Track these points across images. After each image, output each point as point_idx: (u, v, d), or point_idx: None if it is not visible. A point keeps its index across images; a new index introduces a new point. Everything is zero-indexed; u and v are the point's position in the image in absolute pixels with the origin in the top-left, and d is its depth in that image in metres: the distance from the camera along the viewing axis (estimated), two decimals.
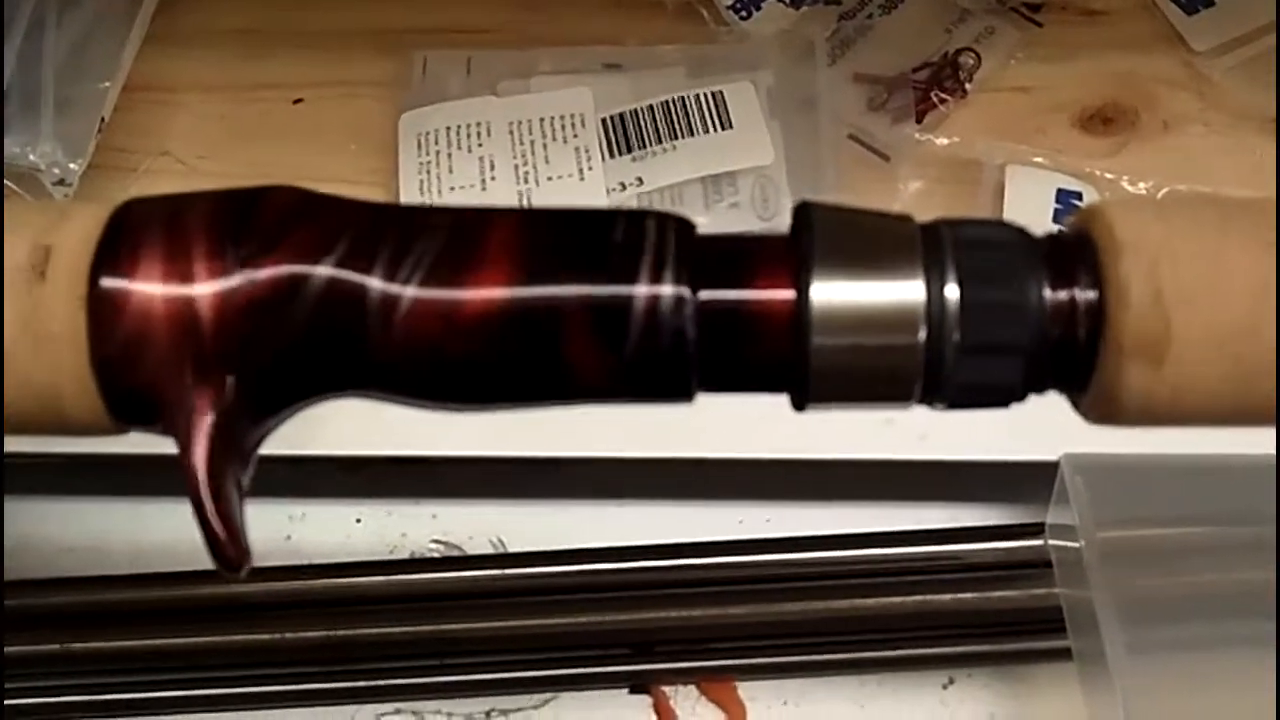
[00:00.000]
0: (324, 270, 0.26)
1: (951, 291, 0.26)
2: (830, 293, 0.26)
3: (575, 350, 0.26)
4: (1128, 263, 0.26)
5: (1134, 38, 0.64)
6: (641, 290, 0.26)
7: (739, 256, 0.27)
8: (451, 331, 0.26)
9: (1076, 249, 0.27)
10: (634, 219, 0.27)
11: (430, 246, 0.26)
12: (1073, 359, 0.27)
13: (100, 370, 0.26)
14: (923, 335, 0.26)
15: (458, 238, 0.26)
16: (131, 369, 0.26)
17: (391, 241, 0.26)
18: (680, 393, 0.27)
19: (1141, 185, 0.60)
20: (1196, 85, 0.63)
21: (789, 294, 0.26)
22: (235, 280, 0.25)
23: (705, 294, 0.26)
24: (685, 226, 0.27)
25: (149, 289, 0.25)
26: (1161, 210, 0.27)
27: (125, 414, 0.26)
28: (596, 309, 0.26)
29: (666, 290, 0.26)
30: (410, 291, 0.26)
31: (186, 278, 0.25)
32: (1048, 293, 0.27)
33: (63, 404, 0.26)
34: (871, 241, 0.27)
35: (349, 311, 0.26)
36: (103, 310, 0.25)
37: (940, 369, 0.27)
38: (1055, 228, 0.28)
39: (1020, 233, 0.28)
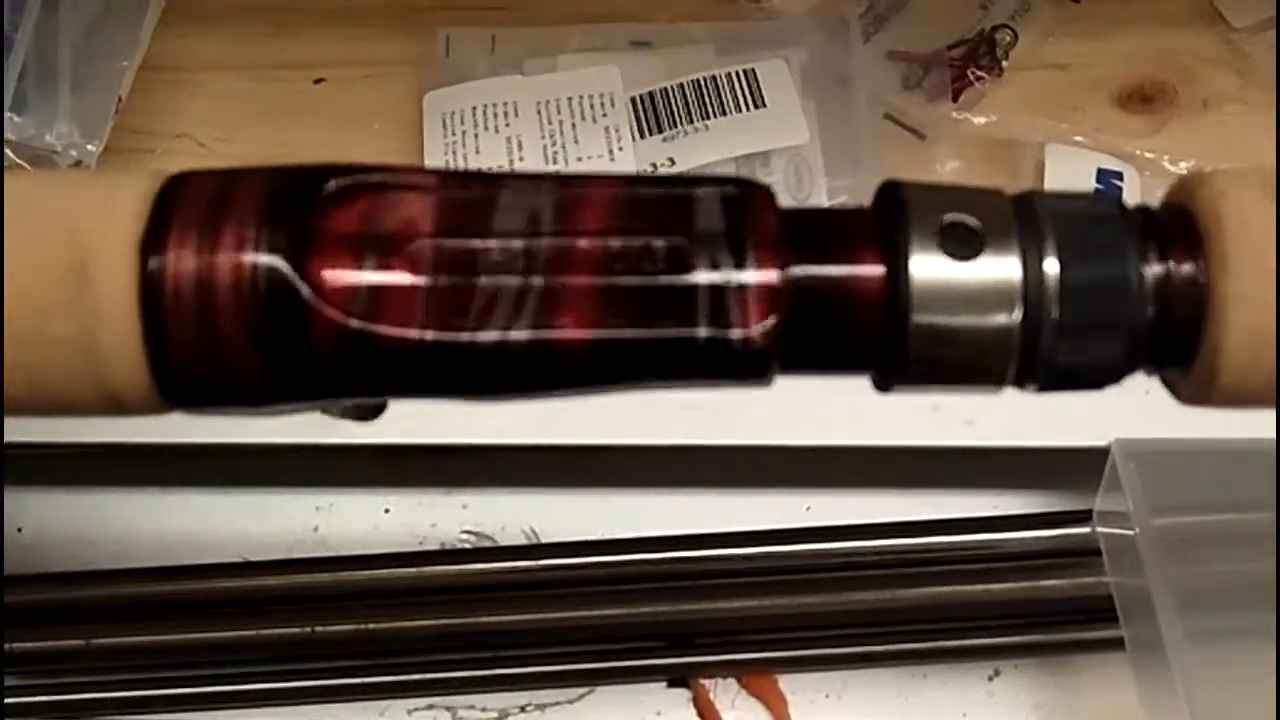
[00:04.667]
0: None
1: (1050, 267, 0.25)
2: (923, 269, 0.25)
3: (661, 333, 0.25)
4: (1233, 234, 0.25)
5: (1172, 14, 0.63)
6: (723, 265, 0.25)
7: (829, 232, 0.25)
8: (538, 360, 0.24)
9: (1178, 221, 0.26)
10: (719, 194, 0.25)
11: (522, 230, 0.25)
12: (1175, 339, 0.26)
13: (159, 372, 0.24)
14: (1019, 314, 0.25)
15: (547, 219, 0.25)
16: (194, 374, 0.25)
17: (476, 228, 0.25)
18: (759, 374, 0.26)
19: (1182, 164, 0.59)
20: (1236, 62, 0.62)
21: (879, 270, 0.25)
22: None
23: (794, 270, 0.25)
24: (769, 197, 0.26)
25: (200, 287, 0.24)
26: (1265, 179, 0.26)
27: (181, 398, 0.25)
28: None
29: (747, 265, 0.25)
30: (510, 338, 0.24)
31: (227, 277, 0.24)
32: (1149, 268, 0.25)
33: (115, 387, 0.24)
34: (963, 215, 0.26)
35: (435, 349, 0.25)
36: (154, 310, 0.24)
37: (1037, 349, 0.25)
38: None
39: (1118, 204, 0.26)
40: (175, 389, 0.25)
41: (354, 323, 0.24)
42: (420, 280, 0.24)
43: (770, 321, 0.24)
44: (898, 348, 0.25)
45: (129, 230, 0.24)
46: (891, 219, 0.25)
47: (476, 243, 0.25)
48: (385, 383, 0.25)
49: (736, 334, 0.25)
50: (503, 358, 0.24)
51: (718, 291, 0.25)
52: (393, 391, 0.26)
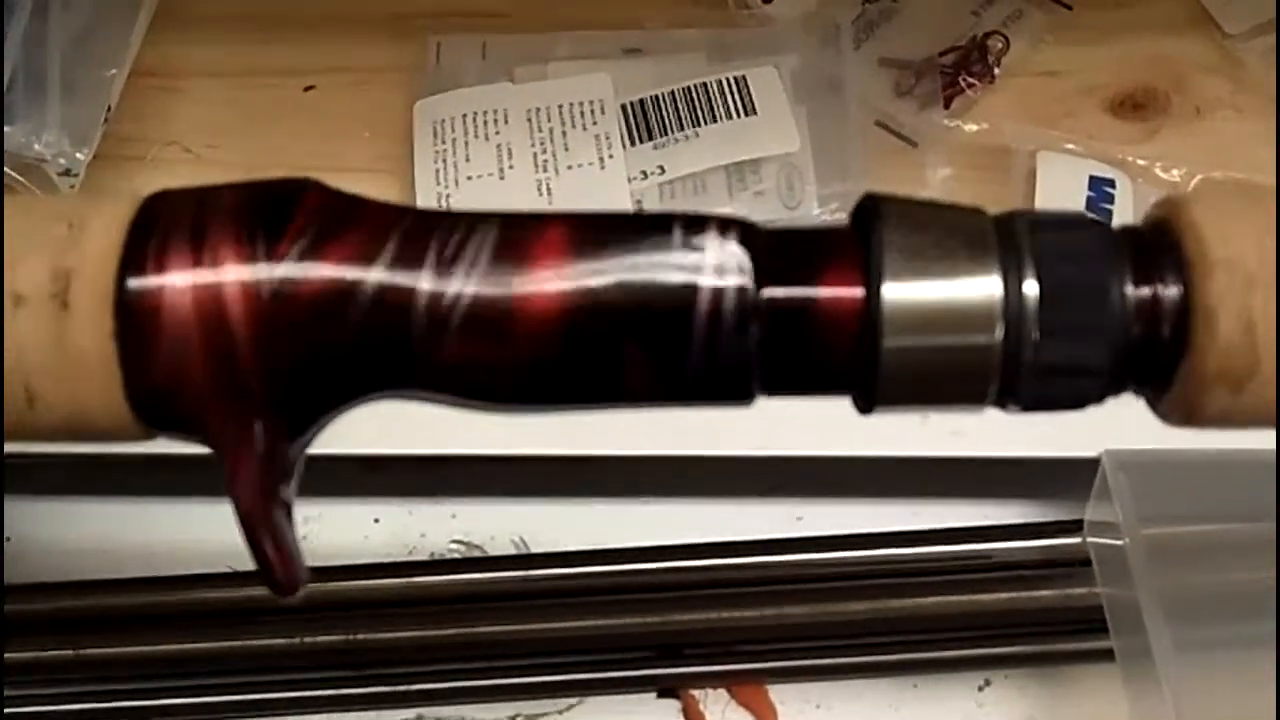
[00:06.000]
0: (375, 275, 0.24)
1: (1030, 289, 0.25)
2: (902, 291, 0.25)
3: (636, 354, 0.25)
4: (1214, 255, 0.25)
5: (1165, 20, 0.62)
6: (705, 288, 0.24)
7: (804, 252, 0.25)
8: (507, 335, 0.24)
9: (1159, 242, 0.26)
10: (694, 218, 0.25)
11: (482, 251, 0.24)
12: (1157, 359, 0.25)
13: (133, 392, 0.24)
14: (999, 335, 0.25)
15: (508, 240, 0.25)
16: (168, 390, 0.24)
17: (439, 246, 0.24)
18: (741, 395, 0.26)
19: (1174, 172, 0.59)
20: (1229, 69, 0.61)
21: (858, 292, 0.25)
22: (281, 289, 0.24)
23: (769, 292, 0.25)
24: (747, 225, 0.26)
25: (185, 304, 0.24)
26: (1246, 197, 0.26)
27: (160, 425, 0.25)
28: (657, 309, 0.24)
29: (730, 287, 0.24)
30: (466, 297, 0.24)
31: (222, 292, 0.24)
32: (1130, 290, 0.25)
33: (93, 418, 0.24)
34: (943, 236, 0.25)
35: (399, 317, 0.24)
36: (133, 329, 0.24)
37: (1017, 371, 0.25)
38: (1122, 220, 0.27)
39: (1099, 226, 0.26)
40: (152, 409, 0.25)
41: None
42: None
43: (747, 252, 0.25)
44: (874, 370, 0.25)
45: (106, 259, 0.24)
46: (868, 239, 0.25)
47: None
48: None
49: (711, 235, 0.25)
50: (469, 238, 0.25)
51: (693, 220, 0.25)
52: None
